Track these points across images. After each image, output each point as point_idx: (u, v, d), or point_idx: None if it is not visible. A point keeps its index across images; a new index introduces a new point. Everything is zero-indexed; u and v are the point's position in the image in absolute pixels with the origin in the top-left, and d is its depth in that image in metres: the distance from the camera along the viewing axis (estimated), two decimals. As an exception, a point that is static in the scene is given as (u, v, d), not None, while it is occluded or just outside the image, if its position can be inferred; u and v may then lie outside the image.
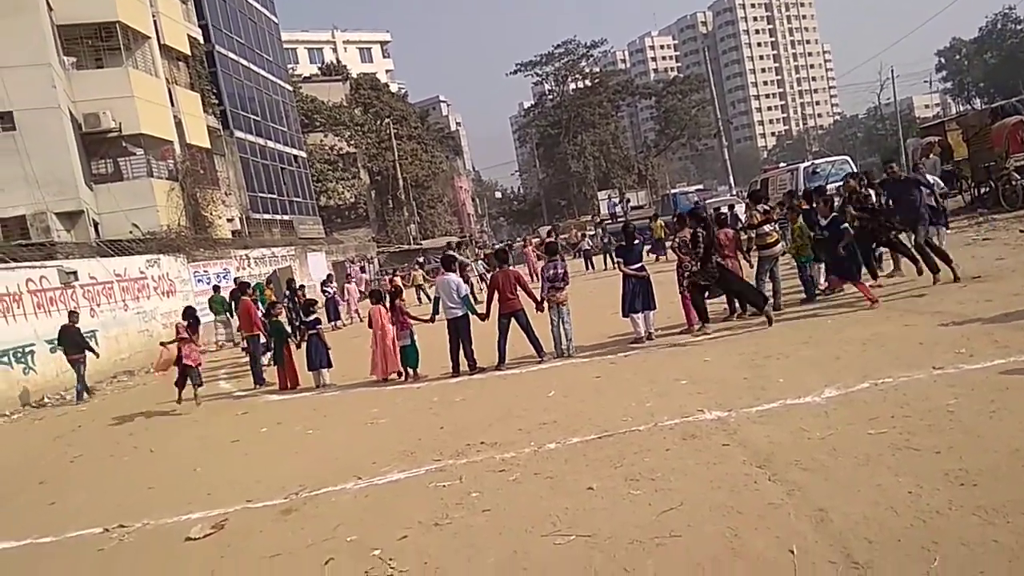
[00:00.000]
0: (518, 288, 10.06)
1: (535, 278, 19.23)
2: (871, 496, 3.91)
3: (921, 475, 4.04)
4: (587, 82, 71.41)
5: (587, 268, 27.64)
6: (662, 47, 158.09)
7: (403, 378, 10.58)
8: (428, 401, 8.85)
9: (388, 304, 10.88)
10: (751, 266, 10.98)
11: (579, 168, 66.70)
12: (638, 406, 6.68)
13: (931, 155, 19.88)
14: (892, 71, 72.48)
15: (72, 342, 13.91)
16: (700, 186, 51.63)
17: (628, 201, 47.80)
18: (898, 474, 4.12)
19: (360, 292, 25.04)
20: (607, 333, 10.96)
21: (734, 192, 40.14)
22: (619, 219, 35.73)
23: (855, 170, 21.02)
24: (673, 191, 43.84)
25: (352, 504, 5.47)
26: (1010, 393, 5.10)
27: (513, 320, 10.00)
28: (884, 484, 4.02)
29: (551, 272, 10.09)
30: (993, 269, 10.27)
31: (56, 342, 14.20)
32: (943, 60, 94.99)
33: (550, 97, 73.22)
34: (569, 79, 71.16)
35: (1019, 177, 16.76)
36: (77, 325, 14.18)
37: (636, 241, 10.63)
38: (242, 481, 6.63)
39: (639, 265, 10.23)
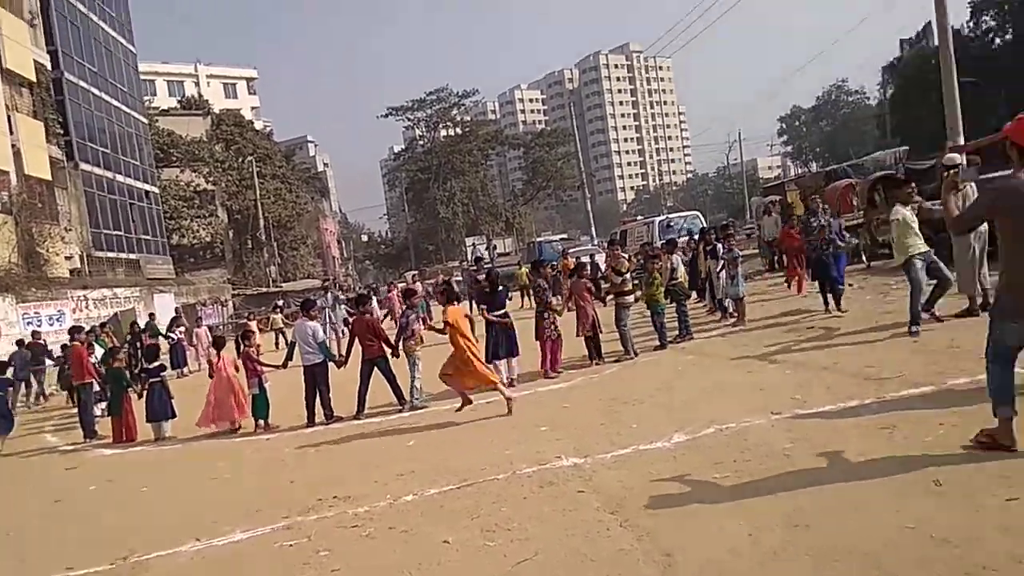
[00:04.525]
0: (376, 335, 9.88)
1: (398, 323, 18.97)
2: (714, 539, 4.03)
3: (759, 517, 4.21)
4: (458, 130, 72.51)
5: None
6: (531, 100, 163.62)
7: (253, 429, 10.03)
8: (279, 453, 8.42)
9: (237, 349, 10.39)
10: (604, 306, 11.30)
11: (448, 214, 67.17)
12: (498, 454, 6.64)
13: (772, 213, 21.51)
14: (740, 134, 78.92)
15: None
16: (564, 235, 53.11)
17: (495, 248, 48.52)
18: (737, 516, 4.28)
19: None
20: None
21: (595, 242, 41.67)
22: (484, 265, 36.07)
23: (705, 225, 22.46)
24: (539, 239, 44.96)
25: (187, 569, 5.04)
26: (839, 437, 5.46)
27: (376, 367, 9.78)
28: (726, 527, 4.16)
29: (403, 321, 10.00)
30: (825, 320, 11.08)
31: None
32: (784, 126, 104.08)
33: (421, 143, 73.67)
34: (440, 126, 72.03)
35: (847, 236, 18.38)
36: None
37: (500, 288, 10.73)
38: (63, 545, 5.98)
39: (502, 312, 10.32)
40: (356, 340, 10.01)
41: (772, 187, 28.28)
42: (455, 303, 9.18)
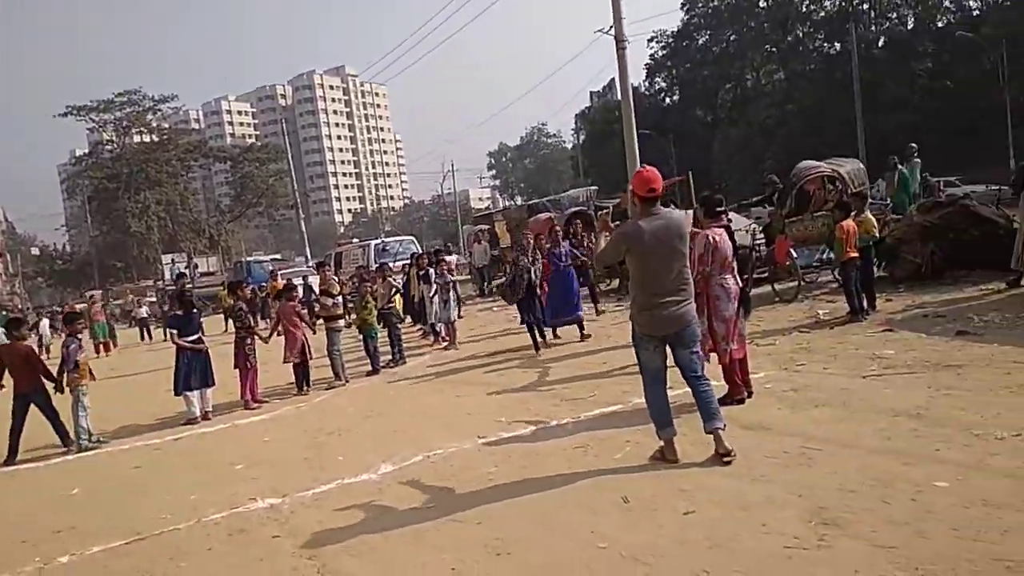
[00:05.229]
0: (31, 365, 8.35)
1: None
2: (417, 577, 3.85)
3: (463, 548, 4.12)
4: (154, 137, 65.95)
5: (143, 339, 24.87)
6: (240, 113, 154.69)
7: None
8: None
9: None
10: (314, 333, 10.86)
11: (141, 228, 60.62)
12: (180, 499, 5.85)
13: (481, 241, 22.51)
14: (452, 165, 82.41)
15: None
16: (277, 255, 50.71)
17: (196, 267, 44.76)
18: (442, 549, 4.14)
19: None
20: (156, 414, 9.69)
21: (310, 264, 40.40)
22: (185, 284, 33.10)
23: (420, 250, 22.82)
24: (248, 259, 42.52)
25: None
26: (539, 458, 5.63)
27: (33, 403, 8.22)
28: (429, 562, 4.01)
29: (65, 350, 8.60)
30: (530, 347, 11.61)
31: None
32: (493, 160, 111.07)
33: (108, 147, 65.76)
34: (133, 131, 64.93)
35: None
36: None
37: (194, 310, 9.72)
38: None
39: (196, 337, 9.33)
40: (7, 372, 8.35)
41: (482, 217, 29.75)
42: None
